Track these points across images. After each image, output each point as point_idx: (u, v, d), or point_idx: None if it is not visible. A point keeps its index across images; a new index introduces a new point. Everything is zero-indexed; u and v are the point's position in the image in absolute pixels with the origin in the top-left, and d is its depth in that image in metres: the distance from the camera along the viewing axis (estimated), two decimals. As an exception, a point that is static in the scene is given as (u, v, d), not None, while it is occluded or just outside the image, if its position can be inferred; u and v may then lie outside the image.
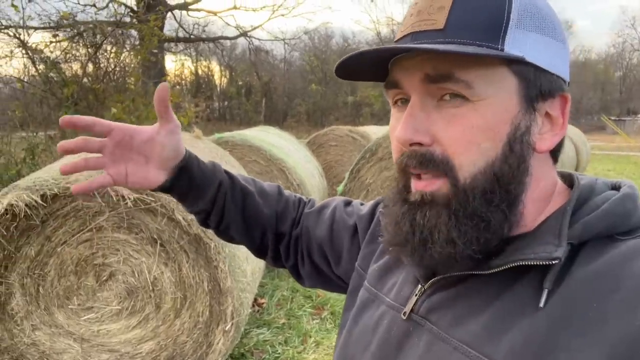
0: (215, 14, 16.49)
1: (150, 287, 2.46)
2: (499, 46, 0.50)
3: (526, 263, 0.50)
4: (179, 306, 2.48)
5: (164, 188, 0.78)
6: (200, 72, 32.52)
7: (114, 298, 2.48)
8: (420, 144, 0.53)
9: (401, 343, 0.59)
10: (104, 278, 2.47)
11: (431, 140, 0.53)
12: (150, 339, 2.51)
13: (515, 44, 0.51)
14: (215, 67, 33.04)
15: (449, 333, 0.53)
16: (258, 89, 30.01)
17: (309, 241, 0.89)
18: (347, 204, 0.90)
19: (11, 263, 2.36)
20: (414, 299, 0.60)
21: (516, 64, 0.52)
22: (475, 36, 0.51)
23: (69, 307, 2.47)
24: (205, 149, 3.07)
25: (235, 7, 16.25)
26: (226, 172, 0.86)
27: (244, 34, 16.94)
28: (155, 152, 0.75)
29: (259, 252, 0.94)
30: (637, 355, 0.41)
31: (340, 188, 4.76)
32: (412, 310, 0.60)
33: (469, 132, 0.51)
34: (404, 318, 0.60)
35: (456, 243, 0.52)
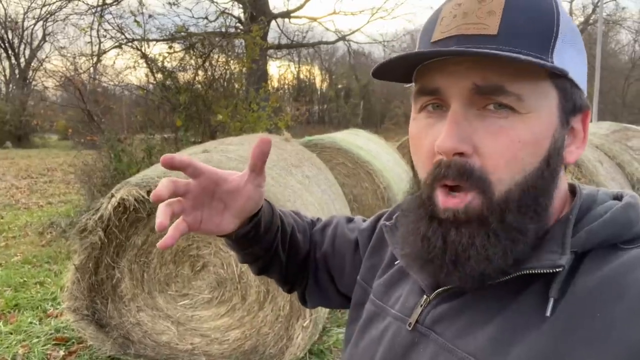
0: (315, 20, 17.04)
1: (237, 280, 2.65)
2: (549, 58, 0.49)
3: (531, 272, 0.49)
4: (262, 299, 2.63)
5: (228, 235, 0.74)
6: (302, 76, 33.67)
7: (206, 287, 2.71)
8: (461, 154, 0.50)
9: (406, 354, 0.59)
10: (198, 268, 2.71)
11: (472, 150, 0.50)
12: (236, 327, 2.69)
13: (560, 57, 0.50)
14: (317, 72, 33.97)
15: (454, 344, 0.53)
16: (356, 91, 30.27)
17: (315, 259, 0.86)
18: (349, 220, 0.89)
19: (122, 250, 2.69)
20: (419, 309, 0.60)
21: (559, 78, 0.51)
22: (528, 46, 0.49)
23: (168, 292, 2.75)
24: (292, 151, 3.22)
25: (334, 12, 16.62)
26: (279, 213, 0.82)
27: (343, 38, 17.25)
28: (237, 203, 0.70)
29: (286, 285, 0.89)
30: None
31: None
32: (417, 321, 0.59)
33: (514, 147, 0.50)
34: (409, 329, 0.60)
35: (492, 259, 0.50)
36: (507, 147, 0.49)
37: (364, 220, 0.87)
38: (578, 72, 0.53)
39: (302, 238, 0.86)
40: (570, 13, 30.00)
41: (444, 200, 0.52)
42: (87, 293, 2.65)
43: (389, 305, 0.67)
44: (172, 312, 2.74)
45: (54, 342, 2.94)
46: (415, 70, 0.56)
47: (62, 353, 2.81)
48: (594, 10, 27.81)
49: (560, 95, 0.51)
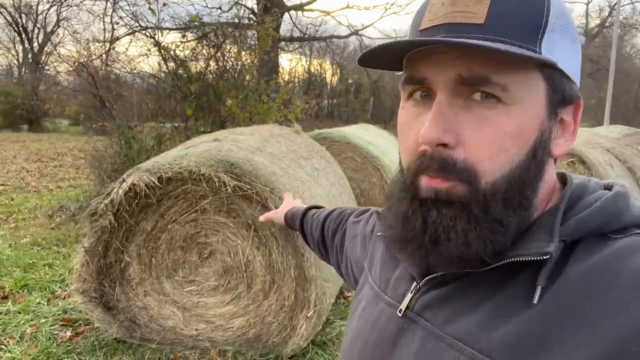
0: (328, 13, 16.98)
1: (243, 268, 2.67)
2: (537, 49, 0.48)
3: (519, 259, 0.50)
4: (268, 289, 2.66)
5: None
6: (313, 70, 33.56)
7: (213, 274, 2.74)
8: (445, 145, 0.50)
9: (396, 339, 0.60)
10: (205, 255, 2.74)
11: (456, 141, 0.50)
12: (241, 315, 2.72)
13: (550, 48, 0.49)
14: (327, 66, 33.85)
15: (443, 330, 0.54)
16: (367, 87, 30.16)
17: (329, 246, 1.09)
18: (357, 215, 0.99)
19: (131, 235, 2.72)
20: (409, 296, 0.61)
21: (548, 69, 0.50)
22: (515, 35, 0.48)
23: (175, 278, 2.78)
24: (302, 143, 3.23)
25: (348, 7, 16.56)
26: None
27: (355, 32, 17.18)
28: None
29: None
30: (630, 352, 0.41)
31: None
32: (407, 308, 0.60)
33: (500, 138, 0.49)
34: (400, 315, 0.61)
35: (471, 245, 0.51)
36: (491, 139, 0.49)
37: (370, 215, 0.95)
38: (569, 63, 0.52)
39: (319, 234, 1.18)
40: (587, 15, 29.65)
41: (427, 181, 0.52)
42: (95, 276, 2.68)
43: (382, 290, 0.69)
44: (178, 297, 2.77)
45: (61, 323, 2.99)
46: (405, 57, 0.55)
47: (69, 334, 2.86)
48: (610, 13, 27.46)
49: (548, 87, 0.51)
